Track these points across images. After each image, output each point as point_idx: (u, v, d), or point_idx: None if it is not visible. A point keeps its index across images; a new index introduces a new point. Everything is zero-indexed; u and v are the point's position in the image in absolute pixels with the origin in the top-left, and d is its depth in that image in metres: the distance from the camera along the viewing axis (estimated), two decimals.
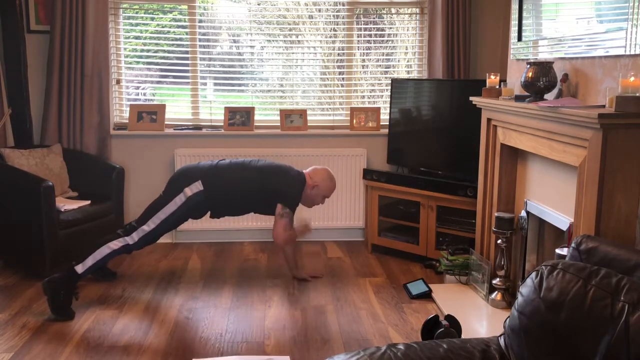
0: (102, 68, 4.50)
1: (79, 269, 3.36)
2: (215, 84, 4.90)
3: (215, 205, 3.68)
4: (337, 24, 4.84)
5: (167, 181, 3.75)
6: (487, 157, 3.69)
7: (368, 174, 4.52)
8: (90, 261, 3.39)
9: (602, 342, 1.68)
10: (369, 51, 4.93)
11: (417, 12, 4.83)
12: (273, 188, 3.64)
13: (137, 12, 4.80)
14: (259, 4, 4.83)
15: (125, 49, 4.77)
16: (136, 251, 3.74)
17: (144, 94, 4.93)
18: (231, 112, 4.73)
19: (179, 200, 3.55)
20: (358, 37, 4.88)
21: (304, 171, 3.82)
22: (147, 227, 3.53)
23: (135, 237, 3.51)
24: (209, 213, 3.75)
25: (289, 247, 3.78)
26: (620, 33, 2.56)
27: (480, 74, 4.67)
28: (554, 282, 1.85)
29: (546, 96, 3.04)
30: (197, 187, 3.56)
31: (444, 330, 2.83)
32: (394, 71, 4.97)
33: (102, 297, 3.64)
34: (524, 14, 3.56)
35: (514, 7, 3.63)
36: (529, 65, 3.01)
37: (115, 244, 3.48)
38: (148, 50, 4.88)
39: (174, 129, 4.72)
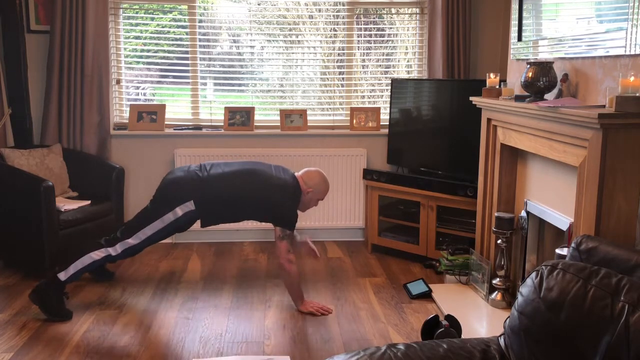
0: (102, 68, 4.50)
1: (62, 276, 3.33)
2: (215, 84, 4.90)
3: (206, 219, 3.53)
4: (337, 24, 4.84)
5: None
6: (487, 157, 3.69)
7: (368, 174, 4.52)
8: (72, 269, 3.35)
9: (602, 342, 1.68)
10: (369, 51, 4.93)
11: (417, 12, 4.83)
12: (271, 209, 3.47)
13: (137, 12, 4.80)
14: (259, 4, 4.83)
15: (125, 49, 4.77)
16: (120, 260, 3.70)
17: (144, 94, 4.93)
18: (231, 112, 4.73)
19: (167, 219, 3.40)
20: (358, 37, 4.88)
21: (296, 174, 3.61)
22: (132, 241, 3.41)
23: (118, 248, 3.42)
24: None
25: (293, 273, 3.44)
26: (620, 33, 2.56)
27: (480, 74, 4.67)
28: (554, 282, 1.85)
29: (546, 96, 3.04)
30: (188, 207, 3.39)
31: (444, 330, 2.84)
32: (394, 71, 4.97)
33: (101, 297, 3.64)
34: (524, 14, 3.56)
35: (514, 7, 3.63)
36: (529, 65, 3.01)
37: (97, 254, 3.40)
38: (148, 50, 4.88)
39: (174, 129, 4.72)
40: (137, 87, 4.92)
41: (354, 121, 4.78)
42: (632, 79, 2.40)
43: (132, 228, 3.46)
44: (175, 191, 3.46)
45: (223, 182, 3.46)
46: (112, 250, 3.42)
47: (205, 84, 4.86)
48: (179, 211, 3.40)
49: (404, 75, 4.96)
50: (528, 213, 3.36)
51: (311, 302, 3.47)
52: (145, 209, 3.52)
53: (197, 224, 3.66)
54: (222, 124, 4.74)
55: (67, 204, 3.99)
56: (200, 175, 3.47)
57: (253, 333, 3.19)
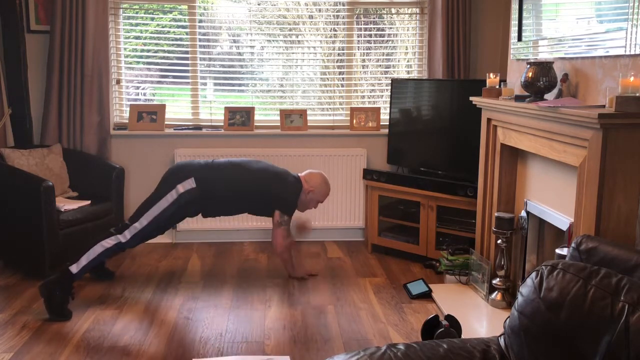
0: (102, 68, 4.50)
1: (74, 269, 3.35)
2: (215, 84, 4.90)
3: (207, 204, 3.63)
4: (337, 24, 4.84)
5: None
6: (487, 157, 3.69)
7: (368, 174, 4.52)
8: (84, 261, 3.39)
9: (602, 342, 1.68)
10: (369, 51, 4.93)
11: (417, 12, 4.83)
12: (271, 194, 3.61)
13: (137, 12, 4.80)
14: (259, 4, 4.83)
15: (125, 49, 4.77)
16: (130, 249, 3.75)
17: (144, 94, 4.93)
18: (231, 112, 4.73)
19: (170, 197, 3.52)
20: (358, 37, 4.88)
21: (299, 175, 3.76)
22: (138, 225, 3.51)
23: (127, 235, 3.50)
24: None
25: (287, 258, 3.81)
26: (620, 33, 2.56)
27: (480, 74, 4.67)
28: (554, 282, 1.85)
29: (546, 96, 3.04)
30: (189, 184, 3.52)
31: (444, 330, 2.84)
32: (394, 71, 4.97)
33: (102, 297, 3.64)
34: (524, 14, 3.56)
35: (514, 7, 3.64)
36: (529, 65, 3.02)
37: (108, 242, 3.47)
38: (148, 50, 4.88)
39: (174, 129, 4.72)
40: (137, 87, 4.92)
41: (354, 121, 4.78)
42: (632, 79, 2.40)
43: (138, 213, 3.56)
44: (178, 173, 3.60)
45: (225, 165, 3.64)
46: (122, 237, 3.50)
47: (205, 84, 4.86)
48: (181, 188, 3.51)
49: (404, 75, 4.96)
50: (528, 213, 3.36)
51: (299, 269, 3.72)
52: (150, 194, 3.63)
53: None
54: (222, 124, 4.74)
55: (67, 204, 3.99)
56: (206, 160, 3.68)
57: (253, 333, 3.19)
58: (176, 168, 3.67)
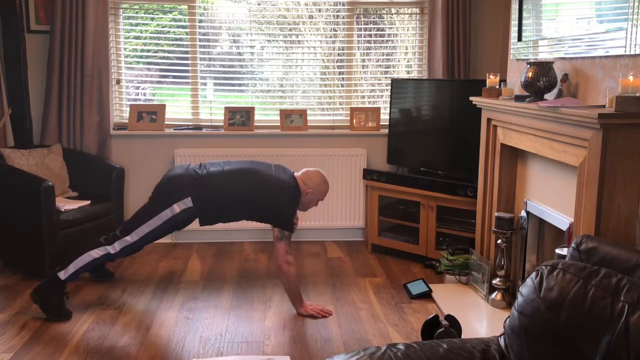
0: (102, 68, 4.50)
1: (62, 275, 3.33)
2: (215, 84, 4.90)
3: (204, 217, 3.50)
4: (337, 24, 4.84)
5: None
6: (487, 157, 3.69)
7: (368, 174, 4.52)
8: (72, 268, 3.35)
9: (602, 342, 1.68)
10: (369, 51, 4.93)
11: (417, 12, 4.83)
12: (269, 210, 3.45)
13: (137, 12, 4.80)
14: (259, 4, 4.83)
15: (125, 49, 4.77)
16: (119, 259, 3.67)
17: (144, 94, 4.93)
18: (231, 112, 4.73)
19: (164, 215, 3.38)
20: (358, 37, 4.88)
21: (295, 174, 3.56)
22: (130, 239, 3.40)
23: (117, 247, 3.41)
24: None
25: (292, 274, 3.41)
26: (620, 33, 2.56)
27: (480, 74, 4.67)
28: (554, 282, 1.85)
29: (546, 96, 3.04)
30: (186, 203, 3.37)
31: (444, 330, 2.84)
32: (394, 71, 4.97)
33: (101, 297, 3.64)
34: (524, 14, 3.56)
35: (514, 7, 3.64)
36: (529, 65, 3.02)
37: (97, 253, 3.40)
38: (148, 50, 4.88)
39: (174, 129, 4.72)
40: (137, 87, 4.92)
41: (354, 121, 4.78)
42: (632, 79, 2.40)
43: (130, 226, 3.45)
44: (173, 188, 3.44)
45: (220, 180, 3.44)
46: (111, 249, 3.41)
47: (205, 84, 4.86)
48: (177, 208, 3.38)
49: (404, 75, 4.96)
50: (528, 213, 3.36)
51: (311, 305, 3.46)
52: (143, 207, 3.50)
53: (196, 224, 3.65)
54: (222, 124, 4.74)
55: (67, 204, 3.99)
56: (199, 172, 3.47)
57: (253, 333, 3.19)
58: (171, 180, 3.49)
